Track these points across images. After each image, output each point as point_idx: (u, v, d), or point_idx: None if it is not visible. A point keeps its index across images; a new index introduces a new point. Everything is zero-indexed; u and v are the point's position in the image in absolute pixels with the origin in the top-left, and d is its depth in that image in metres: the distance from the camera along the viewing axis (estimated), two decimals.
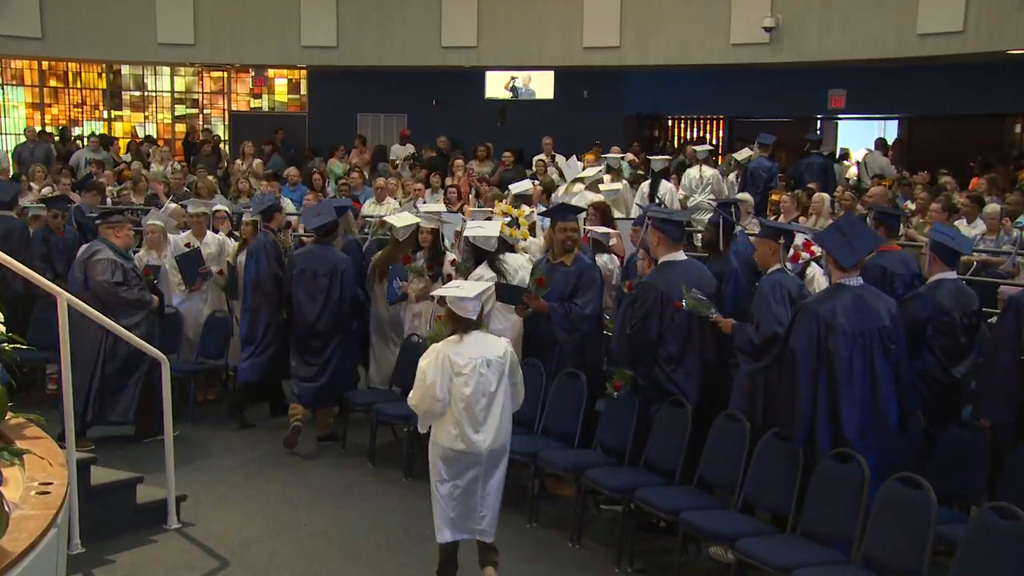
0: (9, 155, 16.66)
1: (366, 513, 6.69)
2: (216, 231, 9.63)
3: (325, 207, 8.43)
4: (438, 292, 5.76)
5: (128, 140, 19.39)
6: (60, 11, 17.25)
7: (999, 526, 4.28)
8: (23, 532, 3.30)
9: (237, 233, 9.49)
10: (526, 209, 9.52)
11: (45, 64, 19.85)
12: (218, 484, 7.13)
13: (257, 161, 15.63)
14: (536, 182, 11.39)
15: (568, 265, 6.93)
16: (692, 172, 12.78)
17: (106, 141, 17.60)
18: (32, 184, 12.75)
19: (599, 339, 7.11)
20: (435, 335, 5.76)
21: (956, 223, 9.06)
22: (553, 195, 10.75)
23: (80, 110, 20.70)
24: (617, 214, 9.73)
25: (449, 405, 5.23)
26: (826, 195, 10.48)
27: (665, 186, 11.76)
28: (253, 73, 20.81)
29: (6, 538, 3.20)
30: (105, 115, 20.78)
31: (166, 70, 20.79)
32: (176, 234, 9.40)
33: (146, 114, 21.12)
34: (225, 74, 20.84)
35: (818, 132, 17.85)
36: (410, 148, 17.16)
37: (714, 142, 19.07)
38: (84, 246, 9.24)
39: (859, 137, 19.50)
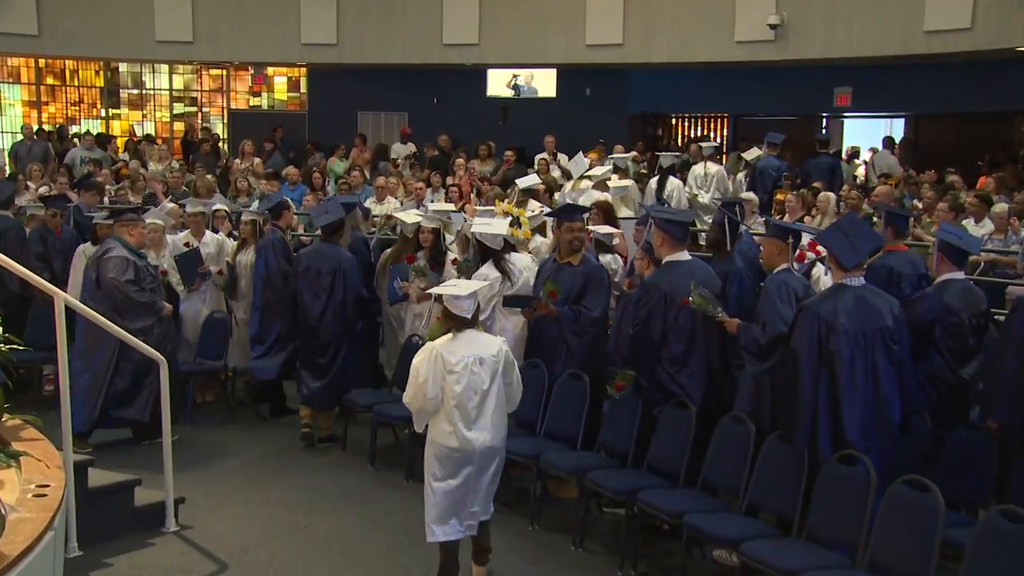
0: (5, 154, 16.68)
1: (366, 516, 6.69)
2: (216, 231, 9.64)
3: (333, 205, 8.47)
4: (434, 290, 5.82)
5: (125, 139, 19.37)
6: (57, 8, 17.27)
7: (1007, 530, 4.28)
8: (20, 535, 3.30)
9: (236, 233, 9.50)
10: (533, 204, 9.54)
11: (42, 62, 19.87)
12: (217, 487, 7.13)
13: (257, 160, 15.64)
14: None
15: (575, 265, 6.92)
16: (697, 169, 12.80)
17: (103, 140, 17.61)
18: (29, 183, 12.76)
19: (606, 341, 7.11)
20: (433, 334, 5.82)
21: (963, 222, 9.05)
22: (559, 192, 10.75)
23: (77, 108, 20.72)
24: (626, 212, 9.74)
25: (442, 403, 5.30)
26: (831, 194, 10.48)
27: (673, 183, 11.75)
28: (252, 71, 20.82)
29: (2, 541, 3.21)
30: (103, 113, 20.79)
31: (164, 68, 20.80)
32: (174, 234, 9.41)
33: (144, 112, 21.13)
34: (224, 72, 20.85)
35: (823, 131, 17.84)
36: (411, 147, 17.16)
37: (718, 140, 19.05)
38: (85, 245, 9.31)
39: (865, 135, 19.47)
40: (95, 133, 18.25)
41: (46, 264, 9.26)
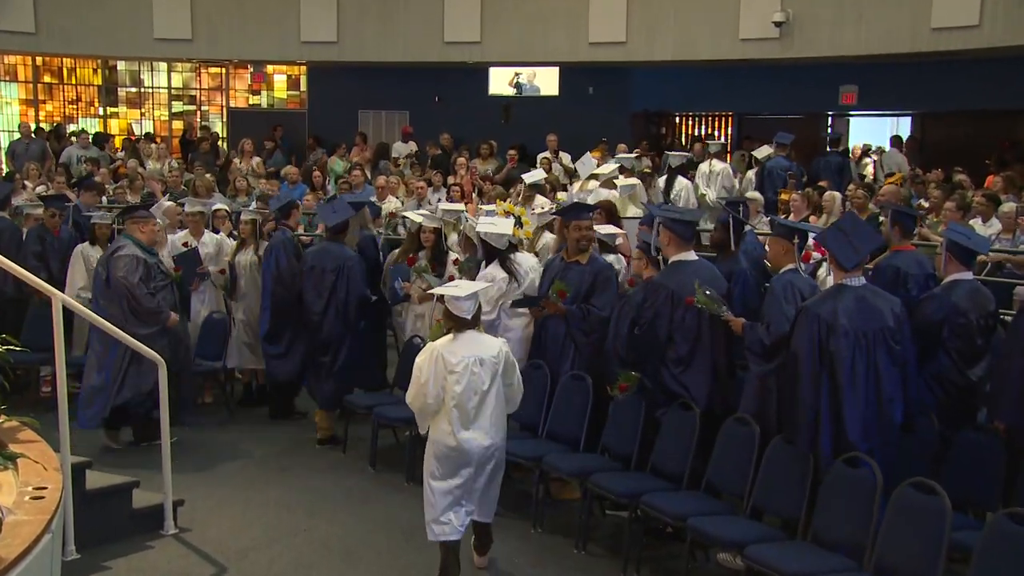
0: (3, 152, 16.70)
1: (367, 518, 6.69)
2: (216, 231, 9.64)
3: (341, 204, 8.53)
4: (435, 290, 5.90)
5: (123, 137, 19.38)
6: (55, 6, 17.29)
7: (1015, 532, 4.27)
8: (17, 538, 3.30)
9: (236, 232, 9.50)
10: (540, 200, 9.55)
11: (39, 60, 19.89)
12: (216, 489, 7.13)
13: (257, 159, 15.65)
14: None
15: (583, 264, 6.93)
16: (703, 167, 12.83)
17: (100, 139, 17.61)
18: (26, 182, 12.77)
19: None
20: (434, 336, 5.89)
21: (971, 222, 9.04)
22: (567, 191, 10.75)
23: (75, 107, 20.73)
24: (634, 211, 9.73)
25: (443, 403, 5.39)
26: (837, 193, 10.47)
27: (681, 183, 11.74)
28: (252, 69, 20.83)
29: (0, 544, 3.21)
30: (101, 112, 20.81)
31: (163, 66, 20.82)
32: (173, 233, 9.42)
33: (142, 111, 21.14)
34: (223, 70, 20.86)
35: (828, 129, 17.83)
36: (412, 146, 17.16)
37: (722, 139, 19.05)
38: (83, 244, 9.32)
39: (871, 134, 19.47)
40: (92, 132, 18.27)
41: (44, 264, 9.27)
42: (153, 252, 7.95)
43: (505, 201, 9.73)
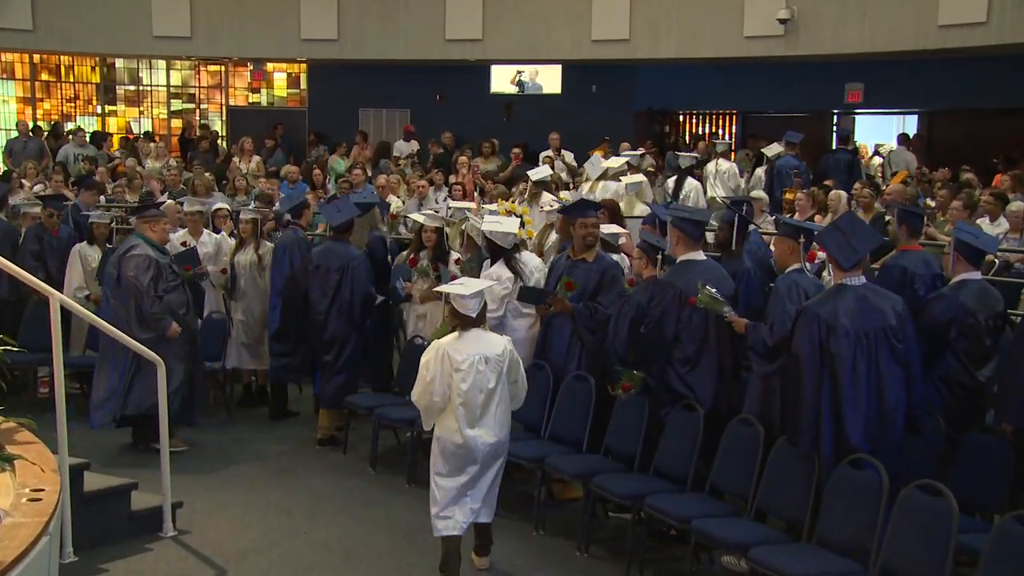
0: (0, 151, 16.71)
1: (368, 520, 6.69)
2: (217, 230, 9.63)
3: (345, 204, 8.59)
4: (441, 288, 6.00)
5: (120, 136, 19.38)
6: (52, 3, 17.28)
7: (1023, 535, 4.26)
8: (14, 540, 3.30)
9: (236, 232, 9.50)
10: (546, 197, 9.54)
11: (37, 57, 19.89)
12: (215, 490, 7.13)
13: (256, 158, 15.65)
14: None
15: (589, 262, 6.94)
16: (709, 166, 12.83)
17: (98, 137, 17.60)
18: (24, 181, 12.78)
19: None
20: (439, 334, 5.95)
21: (978, 221, 9.03)
22: (569, 190, 10.74)
23: (73, 105, 20.73)
24: (641, 208, 9.73)
25: (449, 401, 5.47)
26: (843, 192, 10.45)
27: (691, 183, 11.72)
28: (251, 67, 20.83)
29: None
30: (99, 110, 20.82)
31: (162, 64, 20.82)
32: (172, 232, 9.40)
33: (141, 109, 21.14)
34: (222, 68, 20.86)
35: (835, 127, 17.81)
36: (414, 144, 17.16)
37: (726, 138, 19.05)
38: (81, 244, 9.33)
39: (877, 132, 19.46)
40: (90, 130, 18.27)
41: (42, 264, 9.28)
42: (165, 251, 7.98)
43: (507, 200, 9.73)
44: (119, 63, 20.83)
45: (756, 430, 5.66)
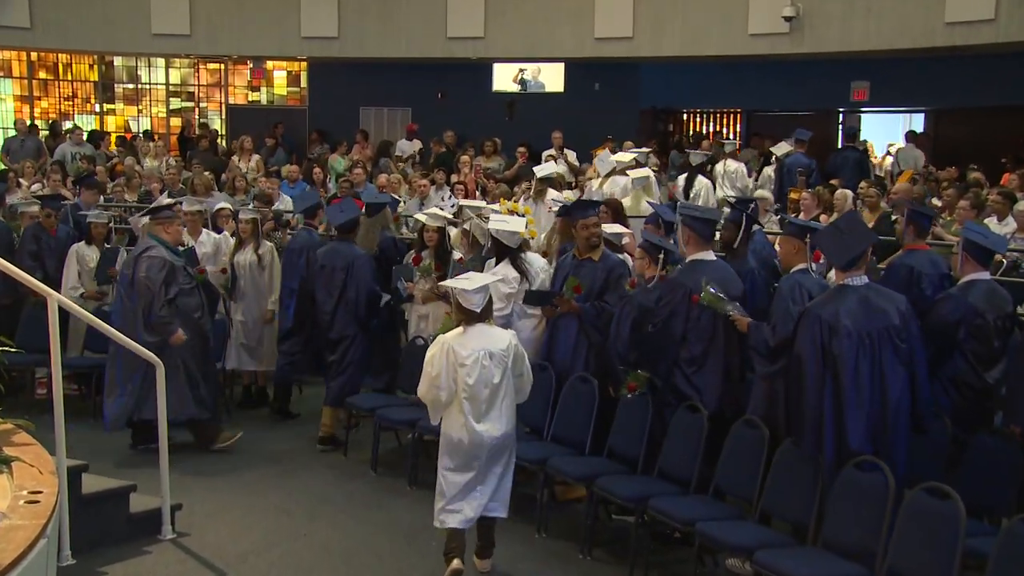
0: None
1: (368, 522, 6.69)
2: (220, 230, 9.62)
3: (347, 204, 8.65)
4: (446, 283, 6.08)
5: (116, 135, 19.39)
6: (50, 0, 17.29)
7: None
8: (11, 543, 3.31)
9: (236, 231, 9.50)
10: (552, 193, 9.53)
11: (34, 55, 19.92)
12: (214, 493, 7.13)
13: (256, 157, 15.66)
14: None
15: (595, 261, 6.95)
16: (718, 166, 12.83)
17: (95, 136, 17.61)
18: (21, 180, 12.79)
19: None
20: (444, 329, 6.06)
21: (986, 220, 9.02)
22: (572, 189, 10.74)
23: (71, 103, 20.76)
24: (647, 201, 9.72)
25: (454, 396, 5.55)
26: (848, 192, 10.45)
27: (701, 182, 11.70)
28: (251, 65, 20.85)
29: None
30: (97, 108, 20.84)
31: (160, 62, 20.84)
32: None
33: (140, 107, 21.17)
34: (222, 66, 20.88)
35: (840, 124, 17.78)
36: (417, 143, 17.17)
37: (731, 136, 19.06)
38: (79, 244, 9.33)
39: (884, 131, 19.44)
40: (88, 129, 18.28)
41: (39, 264, 9.28)
42: (179, 253, 8.01)
43: (510, 200, 9.73)
44: (117, 61, 20.86)
45: (761, 432, 5.66)
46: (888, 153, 16.98)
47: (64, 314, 6.06)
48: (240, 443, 8.21)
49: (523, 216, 8.37)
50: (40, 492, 3.79)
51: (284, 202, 11.93)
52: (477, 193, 12.49)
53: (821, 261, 7.18)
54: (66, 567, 5.53)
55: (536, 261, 7.40)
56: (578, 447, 6.59)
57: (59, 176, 12.73)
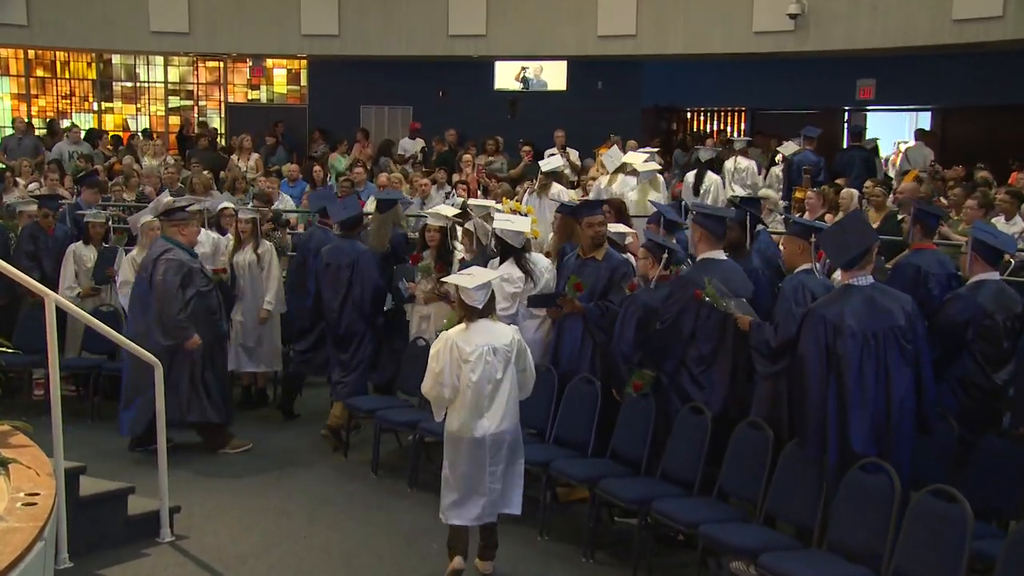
0: None
1: (368, 524, 6.70)
2: (223, 230, 9.60)
3: (350, 201, 8.74)
4: (448, 279, 6.15)
5: (113, 134, 19.40)
6: None
7: None
8: (8, 546, 3.31)
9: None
10: (556, 188, 9.49)
11: (31, 53, 19.93)
12: (214, 494, 7.14)
13: (256, 156, 15.66)
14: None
15: (599, 260, 6.96)
16: (728, 164, 12.81)
17: (93, 135, 17.62)
18: (19, 179, 12.79)
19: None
20: (449, 325, 6.12)
21: (993, 220, 9.01)
22: (594, 186, 10.72)
23: (68, 101, 20.77)
24: (655, 195, 9.71)
25: (458, 392, 5.61)
26: (854, 191, 10.44)
27: (711, 178, 11.66)
28: (251, 63, 20.85)
29: None
30: (95, 107, 20.85)
31: (159, 60, 20.84)
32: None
33: (138, 106, 21.17)
34: (221, 64, 20.89)
35: (845, 122, 17.74)
36: (420, 142, 17.17)
37: (735, 135, 19.04)
38: (77, 244, 9.33)
39: (890, 130, 19.42)
40: (86, 128, 18.29)
41: (37, 264, 9.29)
42: (195, 254, 8.04)
43: (512, 199, 9.73)
44: (116, 59, 20.87)
45: (765, 433, 5.66)
46: (898, 151, 16.94)
47: (62, 315, 6.07)
48: None
49: (526, 216, 8.37)
50: (37, 494, 3.79)
51: (284, 201, 11.94)
52: (479, 192, 12.49)
53: (825, 260, 7.17)
54: (63, 570, 5.55)
55: (540, 261, 7.41)
56: (581, 449, 6.59)
57: (56, 175, 12.74)
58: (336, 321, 8.15)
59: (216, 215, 9.72)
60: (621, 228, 7.77)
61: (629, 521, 6.27)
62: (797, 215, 9.73)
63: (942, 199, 10.91)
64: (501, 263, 7.27)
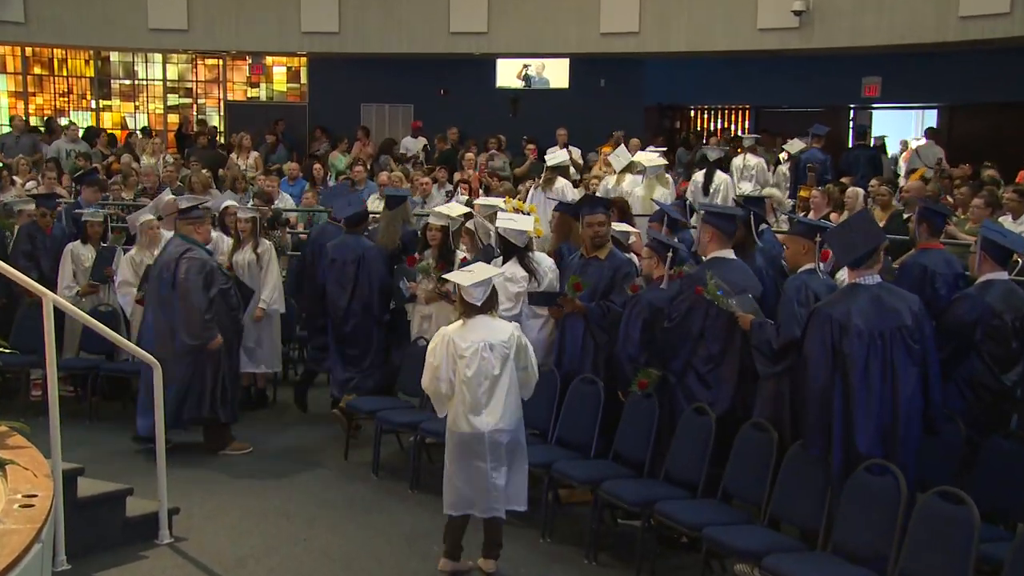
0: None
1: (369, 526, 6.69)
2: (227, 229, 9.58)
3: (353, 197, 8.78)
4: (448, 276, 6.23)
5: (109, 132, 19.40)
6: None
7: None
8: (5, 548, 3.31)
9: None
10: (560, 183, 9.49)
11: (29, 50, 19.95)
12: (213, 496, 7.13)
13: (255, 154, 15.67)
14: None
15: (601, 260, 6.96)
16: (736, 161, 12.80)
17: (91, 133, 17.63)
18: (16, 178, 12.79)
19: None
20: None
21: (1000, 219, 8.99)
22: (601, 185, 10.73)
23: (66, 99, 20.79)
24: (661, 191, 9.71)
25: (455, 387, 5.66)
26: (860, 190, 10.43)
27: (720, 177, 11.65)
28: (250, 60, 20.87)
29: None
30: (93, 105, 20.86)
31: (158, 57, 20.86)
32: (170, 230, 9.39)
33: (137, 104, 21.19)
34: (220, 61, 20.91)
35: (850, 121, 17.72)
36: (422, 141, 17.17)
37: (739, 134, 19.05)
38: (75, 243, 9.33)
39: (895, 127, 19.41)
40: (84, 126, 18.30)
41: (34, 264, 9.29)
42: (211, 252, 8.10)
43: (514, 198, 9.72)
44: (114, 57, 20.88)
45: (769, 435, 5.65)
46: (908, 149, 16.90)
47: (60, 315, 6.07)
48: None
49: (529, 214, 8.36)
50: (35, 496, 3.80)
51: (284, 200, 11.94)
52: (480, 191, 12.49)
53: (829, 260, 7.17)
54: (61, 572, 5.55)
55: (544, 260, 7.41)
56: (583, 450, 6.59)
57: (54, 174, 12.74)
58: (343, 317, 8.18)
59: (220, 214, 9.72)
60: (625, 228, 7.77)
61: (632, 523, 6.26)
62: (802, 214, 9.73)
63: (948, 198, 10.90)
64: (504, 262, 7.27)
